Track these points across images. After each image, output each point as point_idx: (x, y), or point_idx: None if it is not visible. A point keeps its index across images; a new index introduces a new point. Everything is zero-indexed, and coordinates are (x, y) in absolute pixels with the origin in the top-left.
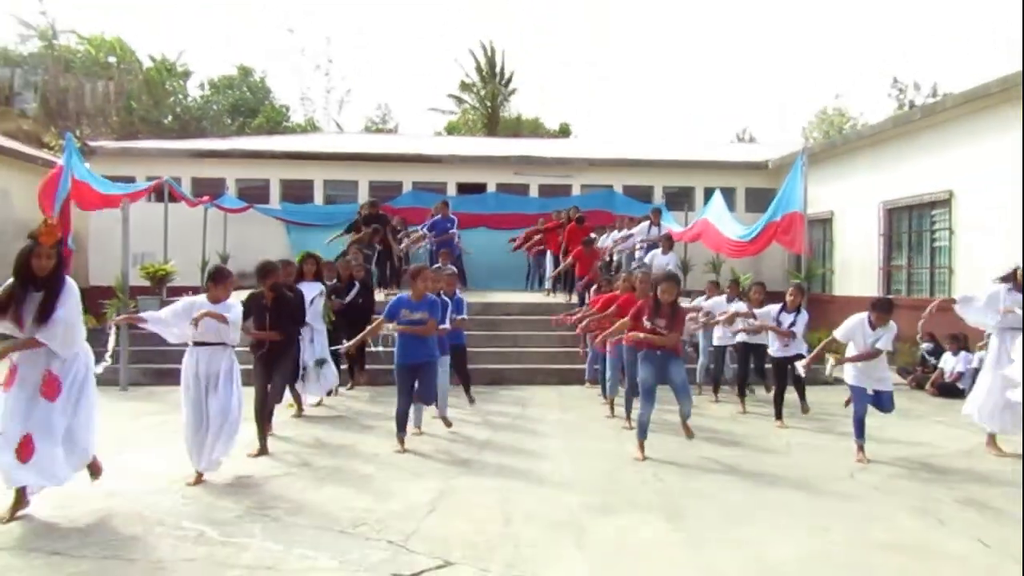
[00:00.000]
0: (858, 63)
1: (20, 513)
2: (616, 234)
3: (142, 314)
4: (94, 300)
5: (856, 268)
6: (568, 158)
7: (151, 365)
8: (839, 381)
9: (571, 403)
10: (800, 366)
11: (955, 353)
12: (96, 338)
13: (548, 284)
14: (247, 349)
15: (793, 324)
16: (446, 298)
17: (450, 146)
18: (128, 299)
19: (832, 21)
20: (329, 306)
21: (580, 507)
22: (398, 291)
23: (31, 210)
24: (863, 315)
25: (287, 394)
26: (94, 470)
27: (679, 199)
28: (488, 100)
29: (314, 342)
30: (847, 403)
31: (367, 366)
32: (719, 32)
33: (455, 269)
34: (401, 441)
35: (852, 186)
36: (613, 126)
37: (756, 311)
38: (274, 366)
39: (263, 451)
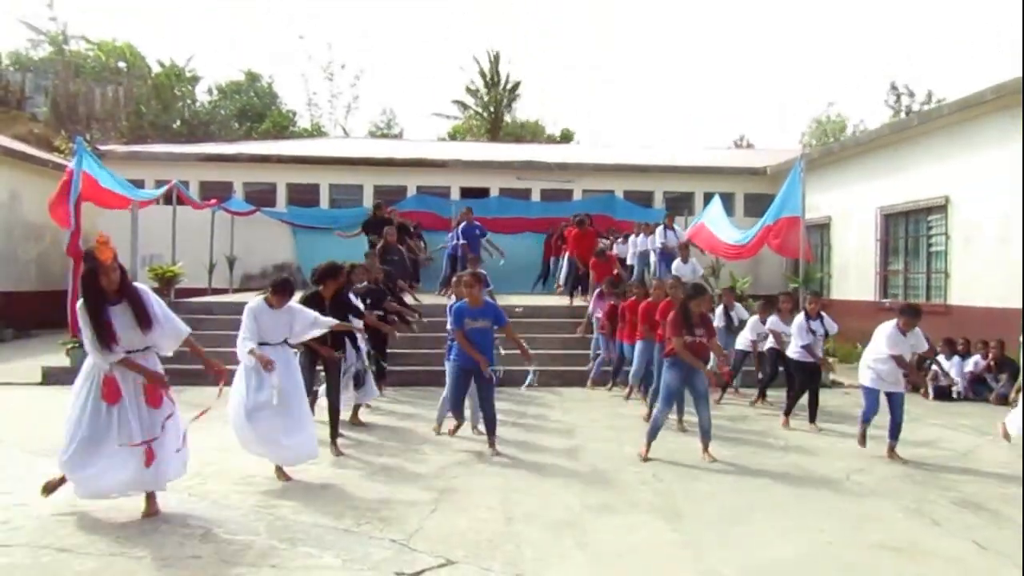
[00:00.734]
0: (857, 69)
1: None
2: (640, 239)
3: (256, 352)
4: None
5: (853, 273)
6: (570, 163)
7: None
8: (836, 384)
9: (573, 404)
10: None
11: (948, 357)
12: None
13: (561, 281)
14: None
15: (825, 333)
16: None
17: (454, 151)
18: None
19: (831, 28)
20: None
21: (581, 507)
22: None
23: (41, 213)
24: (892, 325)
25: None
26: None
27: (679, 204)
28: (492, 106)
29: (360, 351)
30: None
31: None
32: (719, 39)
33: (486, 276)
34: (453, 426)
35: (849, 192)
36: (614, 131)
37: (784, 326)
38: (326, 366)
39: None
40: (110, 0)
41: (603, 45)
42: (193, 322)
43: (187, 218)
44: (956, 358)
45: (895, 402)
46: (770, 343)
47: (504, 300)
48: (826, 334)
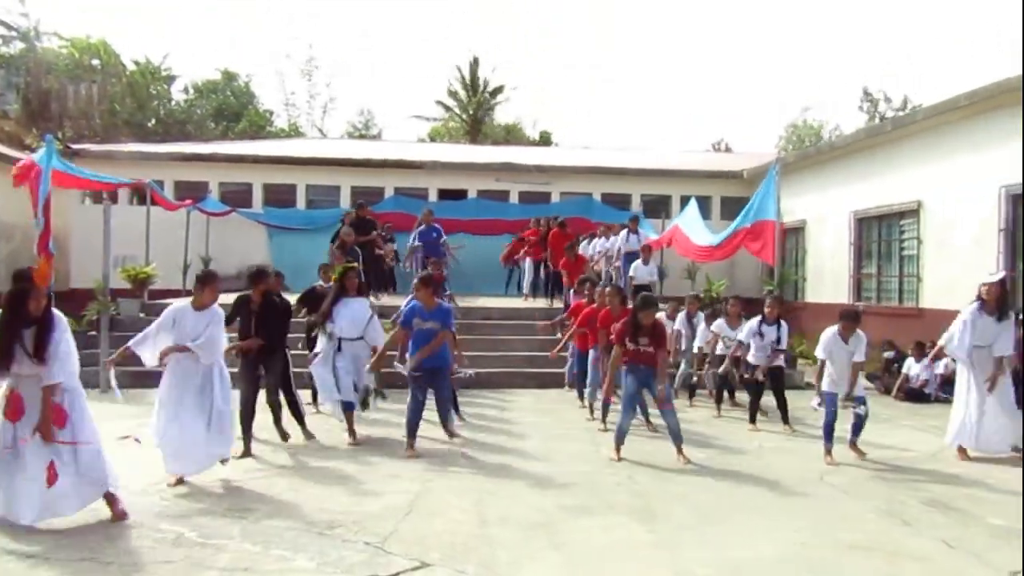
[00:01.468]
0: (834, 74)
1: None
2: (600, 242)
3: (129, 344)
4: (76, 303)
5: (828, 276)
6: (548, 165)
7: (130, 368)
8: (810, 386)
9: (549, 406)
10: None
11: (918, 360)
12: (79, 340)
13: (527, 290)
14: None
15: (778, 340)
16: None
17: (432, 152)
18: (109, 302)
19: (810, 34)
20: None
21: (556, 508)
22: (378, 296)
23: (10, 212)
24: (834, 329)
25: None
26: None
27: (656, 207)
28: (471, 109)
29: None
30: (820, 404)
31: None
32: (699, 42)
33: (443, 279)
34: (411, 446)
35: (824, 196)
36: (593, 134)
37: (730, 331)
38: (265, 367)
39: (247, 453)
40: None
41: (586, 48)
42: None
43: (161, 218)
44: (925, 360)
45: (855, 403)
46: (720, 349)
47: (477, 303)
48: (778, 341)
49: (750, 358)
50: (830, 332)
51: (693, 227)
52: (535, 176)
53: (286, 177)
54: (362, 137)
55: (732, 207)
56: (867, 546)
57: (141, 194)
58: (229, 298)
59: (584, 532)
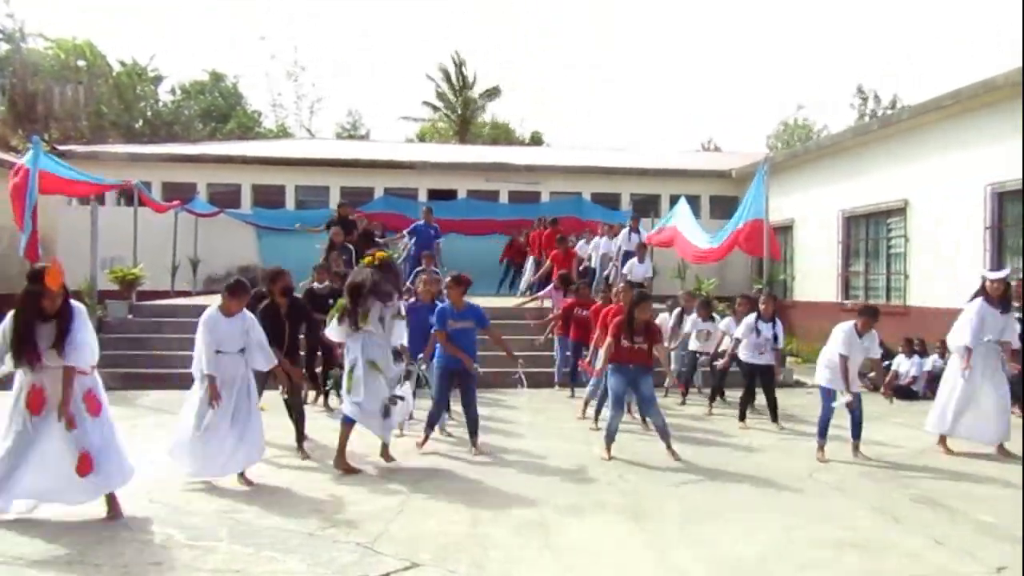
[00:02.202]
0: (834, 74)
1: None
2: (603, 241)
3: (207, 372)
4: None
5: (816, 274)
6: (538, 165)
7: (120, 369)
8: (799, 384)
9: (541, 406)
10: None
11: (908, 356)
12: None
13: (523, 287)
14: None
15: (775, 337)
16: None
17: (422, 153)
18: (96, 303)
19: (803, 32)
20: None
21: (547, 508)
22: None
23: None
24: (848, 325)
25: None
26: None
27: (645, 206)
28: (460, 108)
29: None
30: (848, 401)
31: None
32: (690, 41)
33: (438, 273)
34: (426, 440)
35: (812, 195)
36: (583, 133)
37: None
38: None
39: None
40: None
41: (586, 48)
42: (155, 325)
43: (149, 220)
44: (916, 357)
45: (853, 401)
46: (746, 357)
47: (473, 303)
48: (775, 338)
49: (741, 354)
50: (846, 328)
51: (690, 229)
52: (525, 176)
53: (275, 178)
54: (351, 137)
55: (721, 206)
56: (857, 543)
57: (128, 195)
58: (210, 300)
59: (576, 531)
